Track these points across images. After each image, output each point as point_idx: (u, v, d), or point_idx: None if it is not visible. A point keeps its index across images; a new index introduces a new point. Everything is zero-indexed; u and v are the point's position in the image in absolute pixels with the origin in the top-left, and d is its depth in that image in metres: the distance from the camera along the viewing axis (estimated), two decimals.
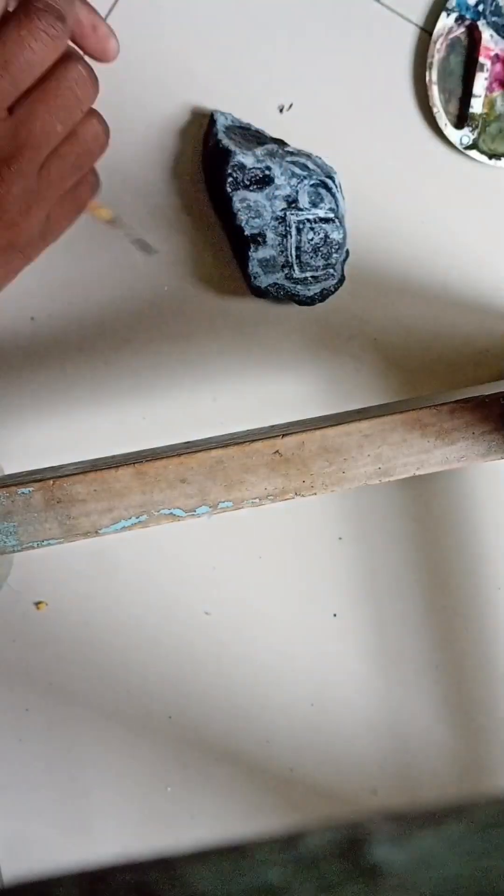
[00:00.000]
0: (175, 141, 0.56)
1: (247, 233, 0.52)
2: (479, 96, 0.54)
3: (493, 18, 0.53)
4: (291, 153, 0.53)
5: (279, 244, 0.53)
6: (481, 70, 0.54)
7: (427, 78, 0.54)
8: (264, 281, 0.53)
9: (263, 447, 0.47)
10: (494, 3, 0.53)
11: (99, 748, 0.61)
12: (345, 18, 0.55)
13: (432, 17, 0.54)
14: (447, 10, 0.54)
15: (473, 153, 0.55)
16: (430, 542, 0.59)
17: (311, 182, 0.52)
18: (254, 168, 0.52)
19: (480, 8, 0.53)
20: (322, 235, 0.53)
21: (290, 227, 0.52)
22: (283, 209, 0.52)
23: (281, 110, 0.55)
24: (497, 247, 0.56)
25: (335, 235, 0.53)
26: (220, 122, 0.53)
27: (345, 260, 0.55)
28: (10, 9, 0.42)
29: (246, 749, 0.60)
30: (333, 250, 0.53)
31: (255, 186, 0.52)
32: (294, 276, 0.53)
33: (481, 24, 0.53)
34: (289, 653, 0.60)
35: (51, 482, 0.48)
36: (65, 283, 0.57)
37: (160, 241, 0.56)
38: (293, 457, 0.47)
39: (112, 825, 0.61)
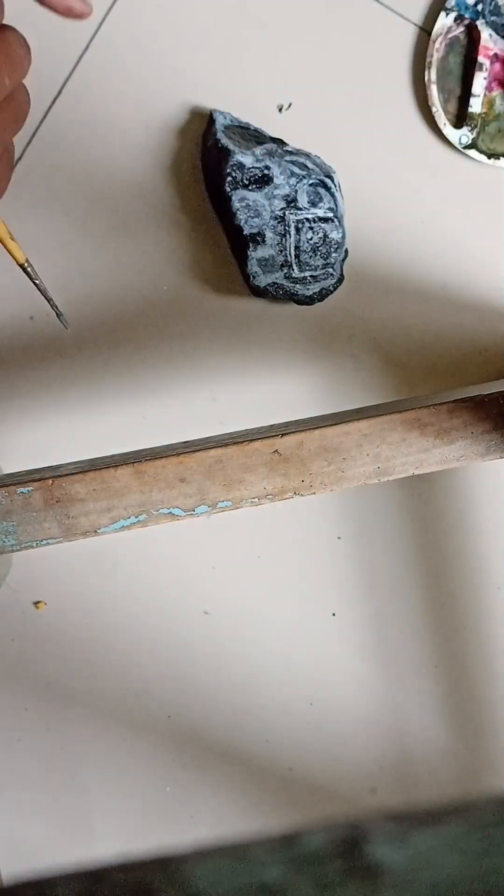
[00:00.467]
0: (174, 140, 0.56)
1: (246, 232, 0.52)
2: (478, 96, 0.54)
3: (492, 18, 0.53)
4: (290, 152, 0.53)
5: (278, 243, 0.53)
6: (480, 69, 0.54)
7: (426, 77, 0.54)
8: (263, 280, 0.53)
9: (262, 447, 0.47)
10: (493, 3, 0.53)
11: (98, 747, 0.61)
12: (344, 18, 0.55)
13: (431, 17, 0.54)
14: (446, 9, 0.54)
15: (472, 153, 0.55)
16: (429, 542, 0.59)
17: (311, 181, 0.52)
18: (253, 167, 0.52)
19: (479, 7, 0.53)
20: (321, 235, 0.53)
21: (289, 227, 0.52)
22: (282, 208, 0.52)
23: (280, 110, 0.55)
24: (496, 246, 0.57)
25: (334, 235, 0.53)
26: (220, 122, 0.53)
27: (344, 259, 0.55)
28: None
29: (245, 748, 0.60)
30: (332, 250, 0.53)
31: (254, 186, 0.52)
32: (293, 275, 0.53)
33: (480, 23, 0.53)
34: (288, 652, 0.60)
35: (50, 481, 0.48)
36: (64, 284, 0.57)
37: (160, 240, 0.56)
38: (292, 456, 0.47)
39: (111, 824, 0.61)
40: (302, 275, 0.53)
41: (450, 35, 0.54)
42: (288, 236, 0.52)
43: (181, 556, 0.59)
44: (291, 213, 0.52)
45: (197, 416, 0.58)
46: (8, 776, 0.61)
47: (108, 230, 0.56)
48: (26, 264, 0.46)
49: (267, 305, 0.57)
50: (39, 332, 0.57)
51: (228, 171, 0.51)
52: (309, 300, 0.54)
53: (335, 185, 0.53)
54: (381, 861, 0.20)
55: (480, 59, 0.54)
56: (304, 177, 0.52)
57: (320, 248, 0.53)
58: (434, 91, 0.54)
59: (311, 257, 0.53)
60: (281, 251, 0.53)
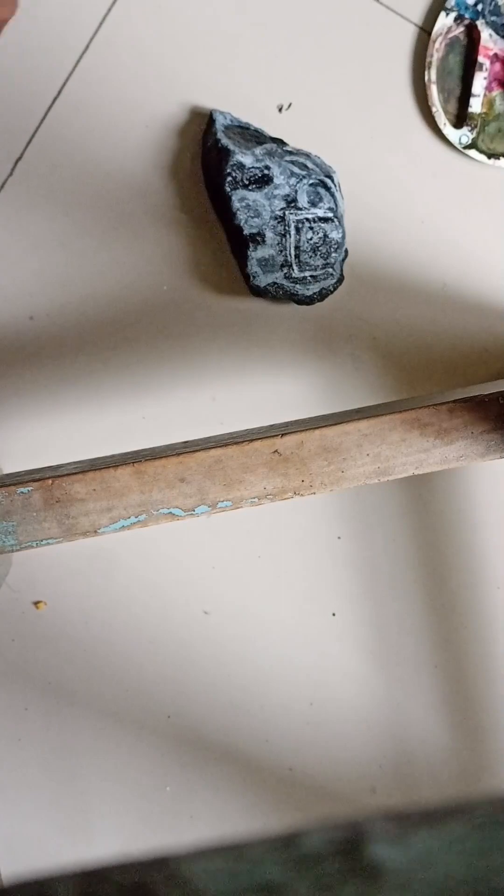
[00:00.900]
0: (174, 140, 0.56)
1: (246, 232, 0.52)
2: (478, 96, 0.54)
3: (492, 18, 0.53)
4: (290, 152, 0.53)
5: (278, 243, 0.53)
6: (480, 69, 0.54)
7: (426, 77, 0.54)
8: (263, 280, 0.53)
9: (262, 446, 0.47)
10: (493, 3, 0.53)
11: (98, 747, 0.61)
12: (344, 18, 0.55)
13: (431, 17, 0.54)
14: (446, 9, 0.54)
15: (472, 152, 0.55)
16: (429, 542, 0.59)
17: (311, 181, 0.52)
18: (253, 167, 0.52)
19: (479, 7, 0.53)
20: (321, 235, 0.53)
21: (289, 227, 0.52)
22: (282, 208, 0.52)
23: (280, 110, 0.55)
24: (496, 246, 0.57)
25: (334, 235, 0.53)
26: (220, 122, 0.53)
27: (344, 259, 0.55)
28: None
29: (245, 748, 0.60)
30: (332, 249, 0.53)
31: (254, 186, 0.52)
32: (293, 275, 0.53)
33: (480, 23, 0.53)
34: (288, 652, 0.60)
35: (50, 481, 0.48)
36: (65, 283, 0.57)
37: (160, 240, 0.56)
38: (292, 456, 0.47)
39: (111, 824, 0.61)
40: (302, 275, 0.53)
41: (450, 35, 0.54)
42: (288, 236, 0.52)
43: (181, 556, 0.59)
44: (291, 213, 0.52)
45: (197, 415, 0.58)
46: (8, 776, 0.61)
47: (108, 230, 0.56)
48: None
49: (267, 305, 0.57)
50: (39, 332, 0.57)
51: (228, 171, 0.51)
52: (309, 300, 0.54)
53: (335, 185, 0.53)
54: (381, 861, 0.20)
55: (480, 59, 0.54)
56: (304, 177, 0.52)
57: (320, 248, 0.53)
58: (434, 91, 0.54)
59: (311, 257, 0.53)
60: (281, 251, 0.53)
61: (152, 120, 0.55)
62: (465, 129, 0.54)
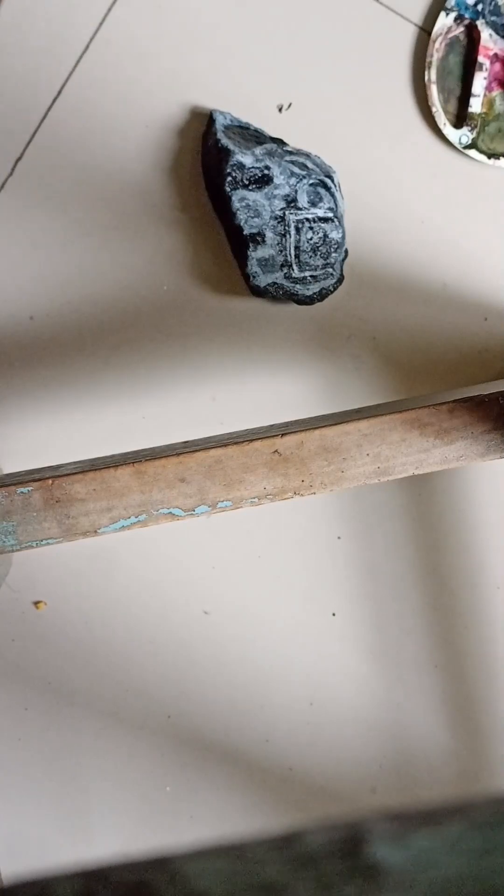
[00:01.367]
0: (174, 140, 0.56)
1: (246, 232, 0.52)
2: (478, 96, 0.54)
3: (492, 18, 0.53)
4: (290, 152, 0.53)
5: (278, 243, 0.53)
6: (480, 69, 0.54)
7: (426, 77, 0.54)
8: (263, 280, 0.53)
9: (262, 446, 0.47)
10: (493, 3, 0.53)
11: (98, 747, 0.61)
12: (344, 18, 0.55)
13: (431, 17, 0.54)
14: (446, 9, 0.54)
15: (472, 153, 0.55)
16: (429, 542, 0.59)
17: (311, 181, 0.52)
18: (253, 167, 0.52)
19: (479, 7, 0.53)
20: (321, 235, 0.53)
21: (289, 227, 0.52)
22: (282, 208, 0.52)
23: (280, 110, 0.55)
24: (496, 246, 0.57)
25: (334, 235, 0.53)
26: (220, 122, 0.53)
27: (344, 259, 0.55)
28: None
29: (245, 748, 0.60)
30: (332, 249, 0.53)
31: (254, 186, 0.52)
32: (293, 275, 0.53)
33: (480, 23, 0.53)
34: (288, 652, 0.60)
35: (50, 481, 0.48)
36: (64, 283, 0.57)
37: (160, 240, 0.56)
38: (292, 456, 0.47)
39: (111, 824, 0.61)
40: (302, 275, 0.53)
41: (450, 35, 0.54)
42: (288, 236, 0.52)
43: (181, 556, 0.59)
44: (291, 213, 0.52)
45: (197, 415, 0.58)
46: (8, 776, 0.61)
47: (108, 230, 0.56)
48: None
49: (267, 305, 0.57)
50: (39, 332, 0.57)
51: (228, 171, 0.51)
52: (309, 300, 0.54)
53: (335, 185, 0.53)
54: (381, 861, 0.20)
55: (480, 59, 0.54)
56: (304, 177, 0.52)
57: (320, 248, 0.53)
58: (434, 91, 0.54)
59: (311, 257, 0.53)
60: (281, 251, 0.53)
61: (152, 120, 0.55)
62: (465, 129, 0.54)
